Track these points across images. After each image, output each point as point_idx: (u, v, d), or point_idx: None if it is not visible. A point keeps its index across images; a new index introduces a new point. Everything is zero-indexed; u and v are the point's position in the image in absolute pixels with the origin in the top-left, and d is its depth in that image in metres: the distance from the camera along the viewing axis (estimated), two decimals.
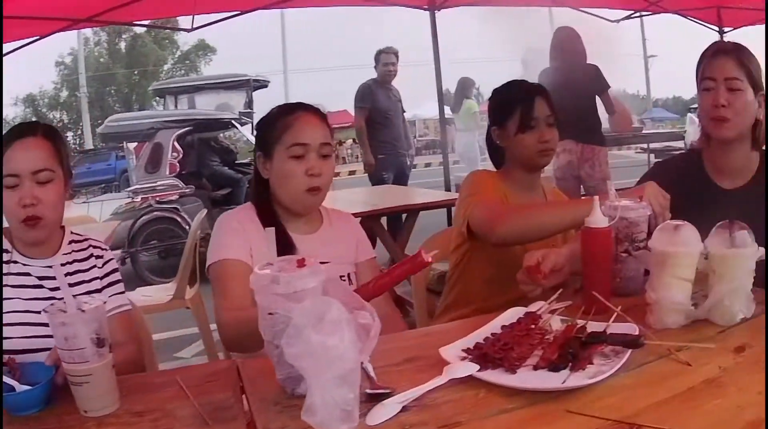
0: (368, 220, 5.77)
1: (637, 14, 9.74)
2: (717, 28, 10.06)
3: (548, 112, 2.86)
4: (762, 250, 2.00)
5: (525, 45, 7.18)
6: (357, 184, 9.46)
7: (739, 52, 2.59)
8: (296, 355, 1.42)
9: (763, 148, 2.70)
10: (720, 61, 2.58)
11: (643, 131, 10.50)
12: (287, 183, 2.44)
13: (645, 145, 11.45)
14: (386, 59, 7.95)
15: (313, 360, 1.40)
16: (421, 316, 3.21)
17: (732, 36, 10.18)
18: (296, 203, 2.48)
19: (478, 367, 1.72)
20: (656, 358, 1.79)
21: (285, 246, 2.38)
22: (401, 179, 8.15)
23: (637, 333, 1.83)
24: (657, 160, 5.36)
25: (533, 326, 1.96)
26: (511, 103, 2.86)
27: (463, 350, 1.82)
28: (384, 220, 6.69)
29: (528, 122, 2.80)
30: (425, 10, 8.08)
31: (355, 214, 5.52)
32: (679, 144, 14.99)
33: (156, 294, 5.43)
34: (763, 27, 10.72)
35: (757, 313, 2.04)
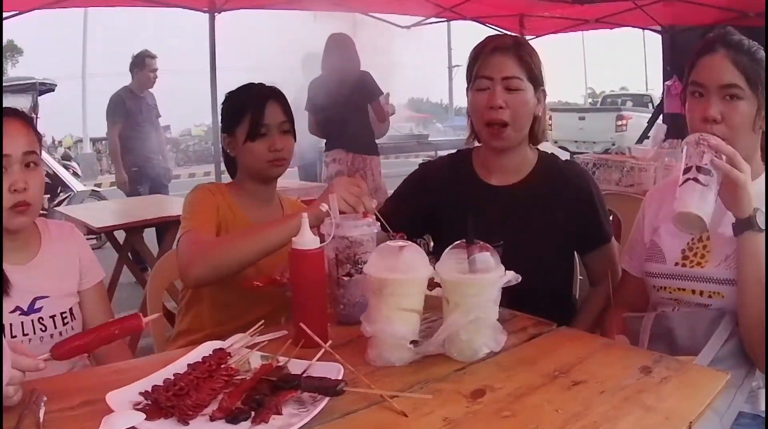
0: (132, 233, 5.41)
1: (430, 20, 9.77)
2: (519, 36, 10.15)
3: (282, 118, 2.56)
4: (511, 273, 1.73)
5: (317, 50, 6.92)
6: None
7: (518, 47, 2.47)
8: None
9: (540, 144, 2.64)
10: (498, 59, 2.43)
11: (430, 139, 10.59)
12: None
13: (433, 153, 11.51)
14: (153, 64, 7.46)
15: None
16: (158, 341, 2.80)
17: (534, 44, 10.29)
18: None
19: (143, 416, 1.40)
20: (367, 405, 1.48)
21: None
22: (160, 191, 7.65)
23: (341, 375, 1.51)
24: None
25: (221, 366, 1.62)
26: (241, 108, 2.55)
27: (140, 393, 1.49)
28: (153, 232, 6.31)
29: (257, 129, 2.51)
30: (204, 12, 7.79)
31: (116, 226, 5.27)
32: None
33: None
34: (566, 35, 11.00)
35: (509, 345, 1.79)
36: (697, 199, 1.84)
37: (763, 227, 1.88)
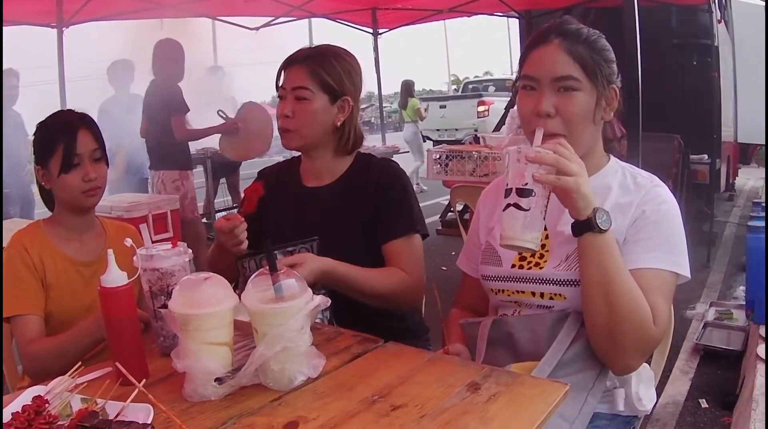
0: None
1: (279, 20, 9.74)
2: (371, 30, 10.21)
3: (93, 146, 2.52)
4: (320, 297, 1.74)
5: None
6: None
7: (311, 58, 2.55)
8: None
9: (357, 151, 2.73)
10: (291, 71, 2.57)
11: None
12: None
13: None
14: (9, 82, 7.31)
15: None
16: (11, 378, 2.67)
17: (386, 37, 10.43)
18: None
19: None
20: None
21: None
22: (29, 212, 7.49)
23: (151, 417, 1.52)
24: None
25: (40, 413, 1.59)
26: (53, 139, 2.49)
27: None
28: None
29: (70, 160, 2.46)
30: (53, 27, 7.77)
31: None
32: None
33: None
34: (427, 24, 11.11)
35: (329, 368, 1.80)
36: (519, 227, 1.76)
37: (604, 228, 1.80)
